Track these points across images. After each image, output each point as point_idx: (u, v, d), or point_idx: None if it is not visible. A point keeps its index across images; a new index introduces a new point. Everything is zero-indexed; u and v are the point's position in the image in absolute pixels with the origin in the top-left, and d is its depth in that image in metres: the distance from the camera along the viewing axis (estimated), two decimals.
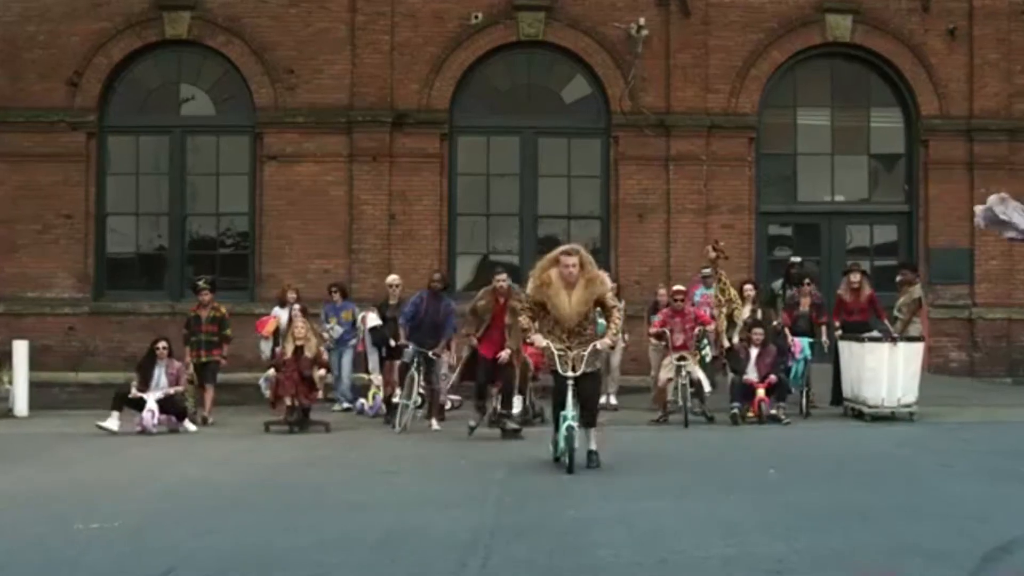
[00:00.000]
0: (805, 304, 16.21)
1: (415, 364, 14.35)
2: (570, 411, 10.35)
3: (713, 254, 16.09)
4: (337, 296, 17.46)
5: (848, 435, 13.83)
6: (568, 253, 10.61)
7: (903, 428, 14.15)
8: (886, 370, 14.75)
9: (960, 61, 20.28)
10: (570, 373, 10.43)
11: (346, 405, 17.05)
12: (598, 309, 10.84)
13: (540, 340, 10.52)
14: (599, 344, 10.63)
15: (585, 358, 10.44)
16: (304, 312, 16.02)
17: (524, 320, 10.80)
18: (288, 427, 14.47)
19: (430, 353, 14.44)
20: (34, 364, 18.04)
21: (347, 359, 17.20)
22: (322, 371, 14.93)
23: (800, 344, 15.76)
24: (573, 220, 20.25)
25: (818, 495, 9.27)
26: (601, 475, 10.21)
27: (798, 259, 18.04)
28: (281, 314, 16.89)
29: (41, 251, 19.97)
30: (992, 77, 20.27)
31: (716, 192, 20.03)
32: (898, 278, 17.12)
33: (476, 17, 19.97)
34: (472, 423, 13.58)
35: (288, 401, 14.57)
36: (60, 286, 20.01)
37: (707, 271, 16.70)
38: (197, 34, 20.08)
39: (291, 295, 17.12)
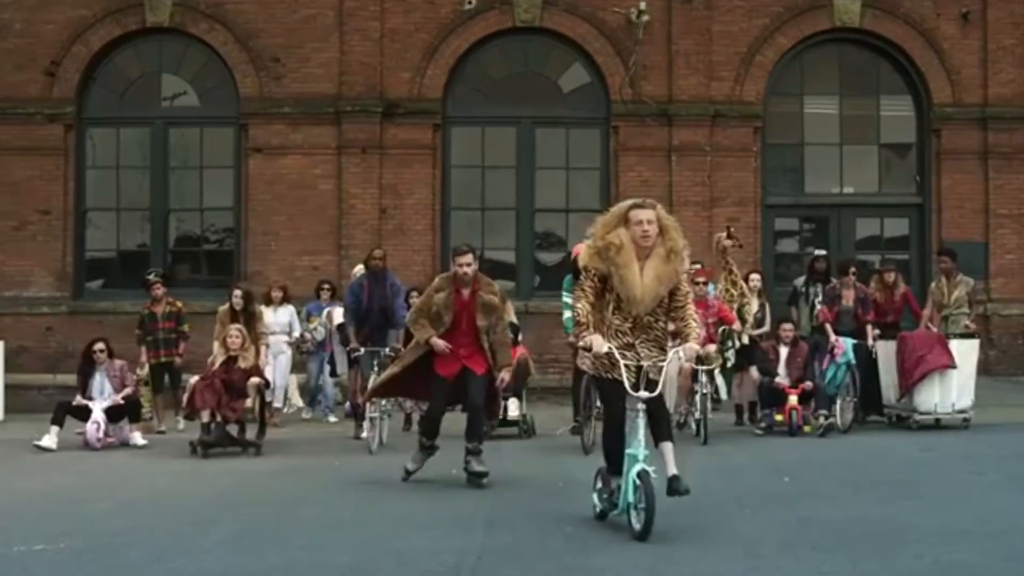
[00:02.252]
0: (849, 298, 14.19)
1: (374, 369, 12.54)
2: (642, 449, 7.40)
3: (728, 242, 14.09)
4: (326, 295, 16.33)
5: (876, 441, 12.73)
6: (642, 206, 7.66)
7: (929, 432, 13.12)
8: (938, 372, 13.44)
9: (974, 46, 19.50)
10: (643, 393, 7.46)
11: (332, 418, 15.96)
12: None
13: (599, 343, 7.44)
14: (684, 351, 7.64)
15: (665, 369, 7.59)
16: (251, 319, 13.86)
17: (580, 308, 7.56)
18: (191, 447, 12.21)
19: (386, 351, 12.58)
20: (10, 366, 17.49)
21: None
22: (257, 379, 12.75)
23: (844, 345, 13.74)
24: (572, 213, 19.45)
25: (845, 510, 8.44)
26: None
27: (822, 252, 16.52)
28: (266, 313, 15.33)
29: (18, 248, 19.17)
30: (1007, 63, 19.48)
31: (720, 184, 19.26)
32: (940, 266, 15.40)
33: (470, 3, 19.20)
34: (411, 466, 10.08)
35: (205, 416, 12.25)
36: (38, 285, 19.21)
37: (696, 266, 15.37)
38: (179, 21, 19.28)
39: (276, 294, 15.82)
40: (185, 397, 12.72)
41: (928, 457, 11.33)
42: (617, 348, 7.52)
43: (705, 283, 13.59)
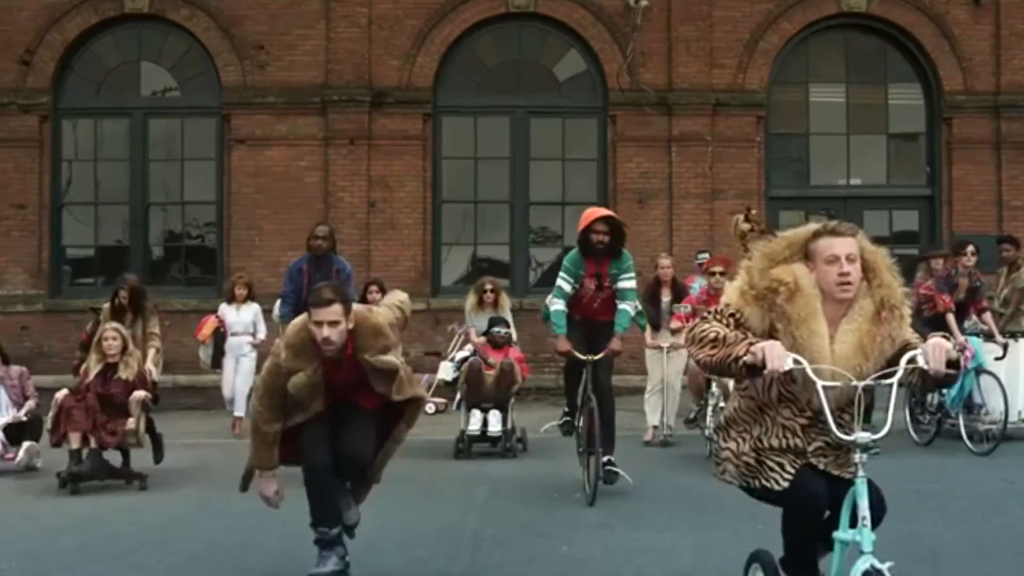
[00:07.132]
0: (964, 285, 11.82)
1: None
2: (868, 533, 4.47)
3: (746, 225, 12.06)
4: None
5: (897, 448, 11.58)
6: (838, 233, 4.83)
7: (949, 438, 11.97)
8: (1004, 376, 11.75)
9: (986, 32, 18.82)
10: (862, 435, 4.54)
11: None
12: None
13: (778, 352, 4.47)
14: (930, 351, 4.49)
15: (894, 396, 4.64)
16: (142, 316, 11.23)
17: (713, 327, 4.68)
18: (60, 481, 9.84)
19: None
20: None
21: None
22: (141, 393, 10.14)
23: (973, 346, 11.41)
24: (568, 206, 18.73)
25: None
26: (600, 499, 8.51)
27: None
28: (228, 312, 14.48)
29: None
30: (1021, 49, 18.79)
31: (722, 175, 18.56)
32: (1004, 254, 13.61)
33: None
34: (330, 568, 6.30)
35: (75, 442, 9.84)
36: (12, 282, 18.48)
37: (704, 256, 14.51)
38: (159, 7, 18.54)
39: (240, 291, 14.53)
40: (50, 417, 10.15)
41: (954, 465, 10.58)
42: (776, 452, 4.83)
43: (723, 273, 11.74)
